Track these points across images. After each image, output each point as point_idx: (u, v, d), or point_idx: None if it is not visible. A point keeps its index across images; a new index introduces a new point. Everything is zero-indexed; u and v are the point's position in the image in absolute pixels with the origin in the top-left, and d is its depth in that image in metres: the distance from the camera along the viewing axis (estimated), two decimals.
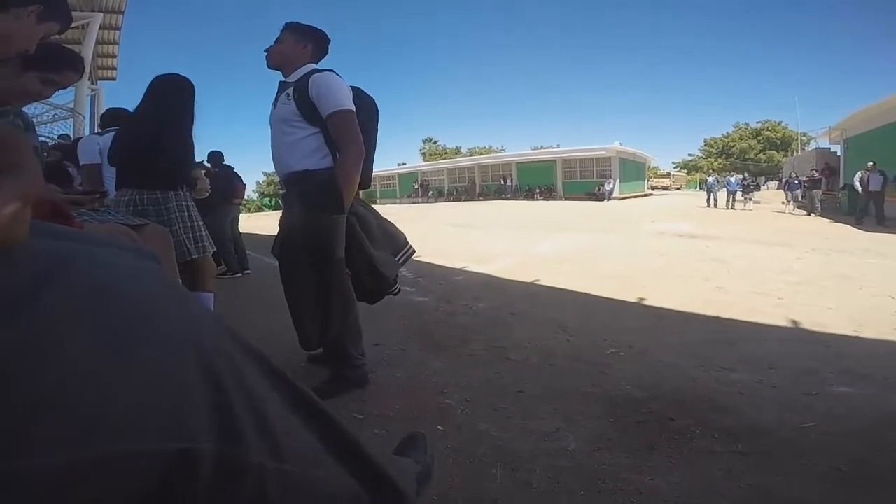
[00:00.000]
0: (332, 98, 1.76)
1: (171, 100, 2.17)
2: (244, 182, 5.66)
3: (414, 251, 2.13)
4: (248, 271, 4.87)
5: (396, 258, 2.02)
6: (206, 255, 2.26)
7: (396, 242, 2.05)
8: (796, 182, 14.11)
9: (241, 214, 5.49)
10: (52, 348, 0.37)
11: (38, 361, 0.36)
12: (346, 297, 1.86)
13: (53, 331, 0.38)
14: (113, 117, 2.93)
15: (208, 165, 2.73)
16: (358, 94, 1.91)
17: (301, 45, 1.90)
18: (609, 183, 23.18)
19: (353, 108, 1.79)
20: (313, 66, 1.91)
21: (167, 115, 2.13)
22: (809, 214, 12.86)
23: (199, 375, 0.45)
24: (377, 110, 2.04)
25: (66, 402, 0.36)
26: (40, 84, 1.44)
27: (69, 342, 0.38)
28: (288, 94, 1.83)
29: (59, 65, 1.50)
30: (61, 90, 1.62)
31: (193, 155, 2.29)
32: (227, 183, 4.67)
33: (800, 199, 13.78)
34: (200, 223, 2.28)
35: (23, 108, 1.50)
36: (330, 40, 2.00)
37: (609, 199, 22.17)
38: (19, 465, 0.34)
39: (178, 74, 2.26)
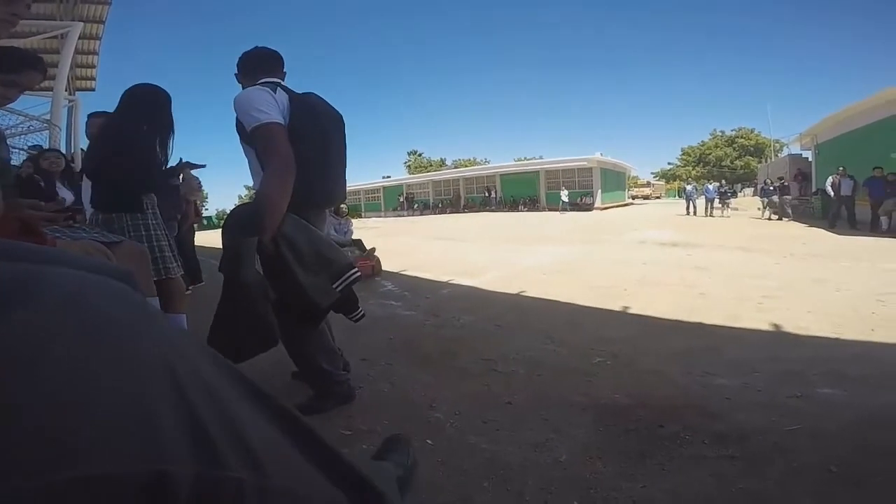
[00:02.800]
0: (245, 117, 1.66)
1: (137, 113, 2.15)
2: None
3: (359, 276, 1.86)
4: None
5: (335, 285, 1.77)
6: (168, 276, 2.20)
7: (334, 268, 1.79)
8: (771, 188, 14.52)
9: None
10: (15, 371, 0.35)
11: (1, 384, 0.35)
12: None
13: (16, 352, 0.36)
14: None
15: (199, 164, 2.52)
16: (313, 102, 1.82)
17: (241, 78, 1.92)
18: (564, 193, 22.92)
19: (270, 120, 1.63)
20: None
21: (129, 131, 2.11)
22: (781, 219, 13.19)
23: (171, 396, 0.43)
24: (336, 117, 1.92)
25: (31, 425, 0.34)
26: (4, 87, 1.39)
27: (33, 365, 0.36)
28: None
29: (18, 65, 1.43)
30: (35, 99, 1.57)
31: (152, 170, 2.22)
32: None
33: (775, 204, 14.14)
34: (165, 243, 2.22)
35: None
36: (250, 50, 1.93)
37: (566, 210, 21.84)
38: None
39: (150, 84, 2.23)
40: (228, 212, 1.94)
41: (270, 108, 1.65)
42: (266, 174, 1.63)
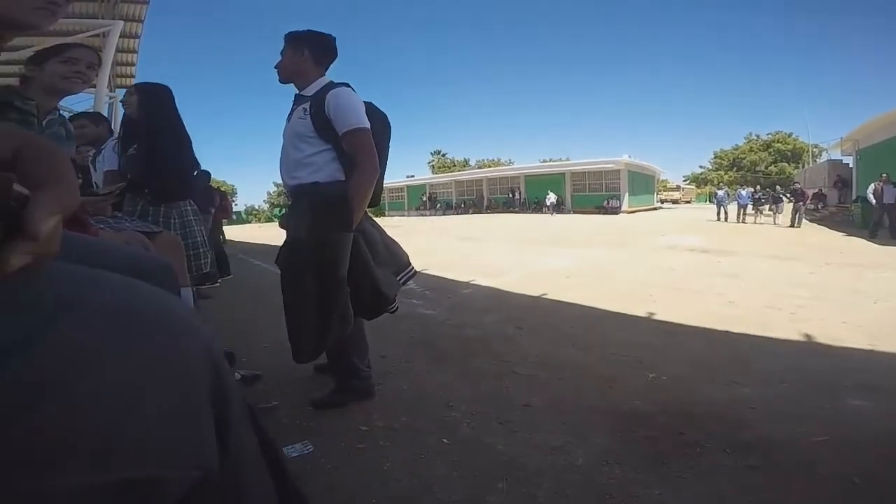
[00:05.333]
0: (349, 116, 1.75)
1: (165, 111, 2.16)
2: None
3: (416, 272, 2.12)
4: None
5: (398, 278, 1.98)
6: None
7: (399, 262, 2.02)
8: (780, 196, 14.17)
9: (250, 225, 5.66)
10: (77, 373, 0.37)
11: (65, 385, 0.36)
12: (345, 314, 1.79)
13: (77, 355, 0.38)
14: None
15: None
16: (371, 110, 1.89)
17: (299, 53, 1.86)
18: (550, 196, 22.53)
19: (369, 126, 1.77)
20: (329, 79, 1.88)
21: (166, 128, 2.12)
22: (792, 226, 12.78)
23: (211, 403, 0.45)
24: (390, 127, 2.03)
25: (91, 426, 0.36)
26: (64, 64, 1.45)
27: (93, 367, 0.38)
28: (305, 109, 1.81)
29: (63, 46, 1.49)
30: (80, 96, 1.63)
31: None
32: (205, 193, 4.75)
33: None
34: (194, 240, 2.18)
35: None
36: (332, 38, 1.93)
37: (553, 212, 21.49)
38: (43, 485, 0.34)
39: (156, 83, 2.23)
40: (308, 207, 1.81)
41: (364, 113, 1.79)
42: (361, 173, 1.76)
